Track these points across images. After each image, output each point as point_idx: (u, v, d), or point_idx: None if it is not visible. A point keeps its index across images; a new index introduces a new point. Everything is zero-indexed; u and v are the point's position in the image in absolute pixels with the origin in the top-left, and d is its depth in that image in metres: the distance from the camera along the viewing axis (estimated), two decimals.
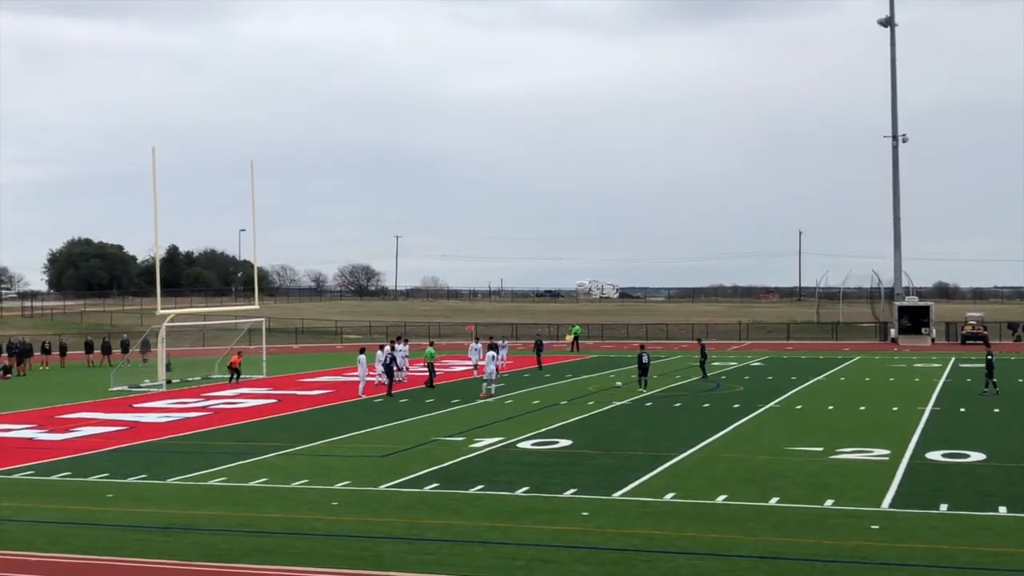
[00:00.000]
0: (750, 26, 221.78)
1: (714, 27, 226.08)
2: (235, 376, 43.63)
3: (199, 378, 45.74)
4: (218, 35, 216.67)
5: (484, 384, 37.12)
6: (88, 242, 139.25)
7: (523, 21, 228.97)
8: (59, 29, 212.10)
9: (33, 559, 14.97)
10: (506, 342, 50.02)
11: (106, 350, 56.75)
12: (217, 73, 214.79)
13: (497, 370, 39.03)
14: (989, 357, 36.02)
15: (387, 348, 40.27)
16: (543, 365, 50.14)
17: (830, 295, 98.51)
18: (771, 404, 33.61)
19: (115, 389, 41.46)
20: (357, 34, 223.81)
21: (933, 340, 71.23)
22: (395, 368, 39.65)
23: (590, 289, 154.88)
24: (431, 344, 39.68)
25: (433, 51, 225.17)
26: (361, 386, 37.89)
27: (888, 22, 76.08)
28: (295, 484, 20.36)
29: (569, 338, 69.35)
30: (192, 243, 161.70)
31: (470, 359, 46.45)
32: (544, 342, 54.58)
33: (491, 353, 38.36)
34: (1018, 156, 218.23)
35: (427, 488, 19.74)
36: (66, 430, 29.28)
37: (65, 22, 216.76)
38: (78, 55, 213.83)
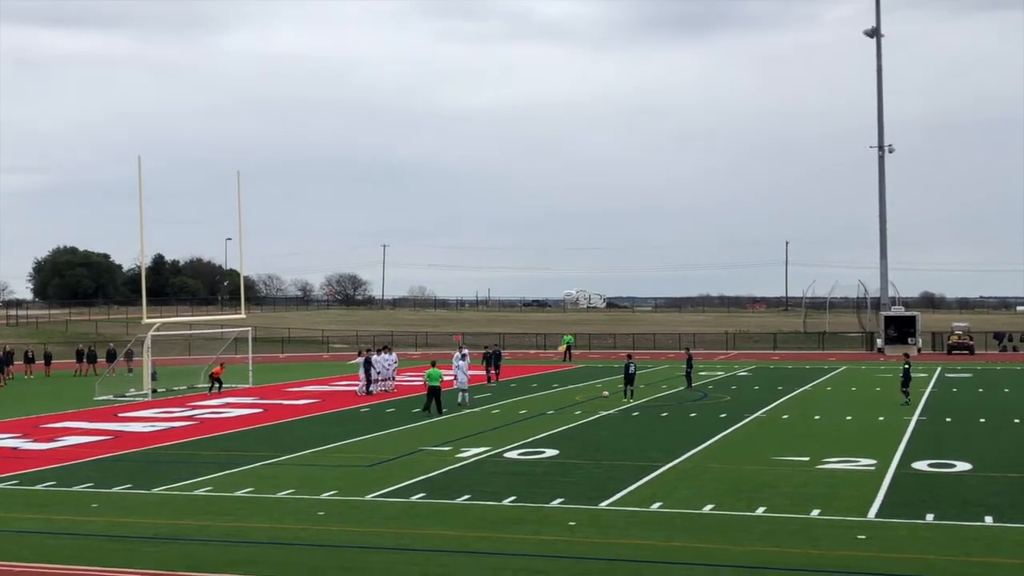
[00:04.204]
0: (736, 38, 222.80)
1: (699, 39, 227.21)
2: (216, 386, 43.42)
3: (185, 387, 45.56)
4: (205, 46, 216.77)
5: (460, 394, 37.03)
6: (74, 251, 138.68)
7: (510, 34, 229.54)
8: (46, 39, 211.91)
9: (17, 569, 14.86)
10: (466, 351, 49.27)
11: (91, 359, 56.54)
12: (204, 83, 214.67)
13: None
14: (906, 366, 36.26)
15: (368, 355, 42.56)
16: (499, 379, 47.23)
17: (817, 305, 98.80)
18: (758, 414, 33.64)
19: (100, 398, 41.27)
20: (345, 47, 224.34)
21: (919, 350, 71.45)
22: (376, 373, 41.79)
23: (577, 299, 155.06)
24: (433, 364, 36.32)
25: (421, 63, 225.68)
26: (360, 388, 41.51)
27: (874, 32, 76.46)
28: (281, 494, 20.27)
29: (562, 348, 69.27)
30: (178, 252, 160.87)
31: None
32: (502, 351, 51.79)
33: (460, 363, 38.23)
34: (1005, 166, 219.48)
35: (413, 498, 19.69)
36: (51, 439, 29.11)
37: (52, 32, 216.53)
38: (65, 65, 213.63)
